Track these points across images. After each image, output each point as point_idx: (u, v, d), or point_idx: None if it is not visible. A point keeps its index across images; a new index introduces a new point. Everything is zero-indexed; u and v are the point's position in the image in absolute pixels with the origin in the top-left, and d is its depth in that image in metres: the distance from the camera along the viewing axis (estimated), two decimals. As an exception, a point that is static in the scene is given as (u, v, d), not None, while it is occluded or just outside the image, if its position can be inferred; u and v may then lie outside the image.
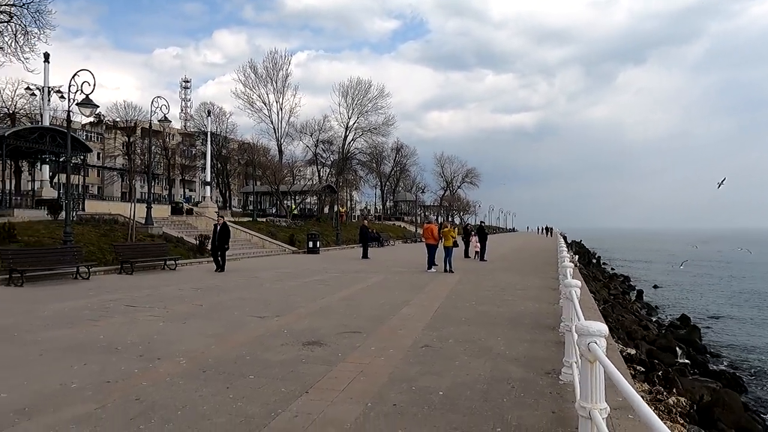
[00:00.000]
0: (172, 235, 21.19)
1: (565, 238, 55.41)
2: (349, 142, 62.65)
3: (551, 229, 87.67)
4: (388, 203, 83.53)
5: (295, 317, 8.78)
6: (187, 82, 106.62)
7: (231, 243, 24.35)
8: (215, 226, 17.01)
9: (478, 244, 23.46)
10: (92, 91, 14.19)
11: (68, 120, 15.61)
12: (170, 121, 27.10)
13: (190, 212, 32.60)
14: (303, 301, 10.63)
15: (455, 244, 18.17)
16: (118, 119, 59.53)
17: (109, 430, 3.90)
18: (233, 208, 60.70)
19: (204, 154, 74.51)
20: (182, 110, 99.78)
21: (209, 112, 51.99)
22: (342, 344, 6.76)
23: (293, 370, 5.54)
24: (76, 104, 14.22)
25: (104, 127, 67.74)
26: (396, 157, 79.07)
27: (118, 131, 63.99)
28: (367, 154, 66.69)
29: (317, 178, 60.81)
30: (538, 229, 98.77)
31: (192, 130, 67.86)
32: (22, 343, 6.65)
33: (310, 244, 26.42)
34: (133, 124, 60.97)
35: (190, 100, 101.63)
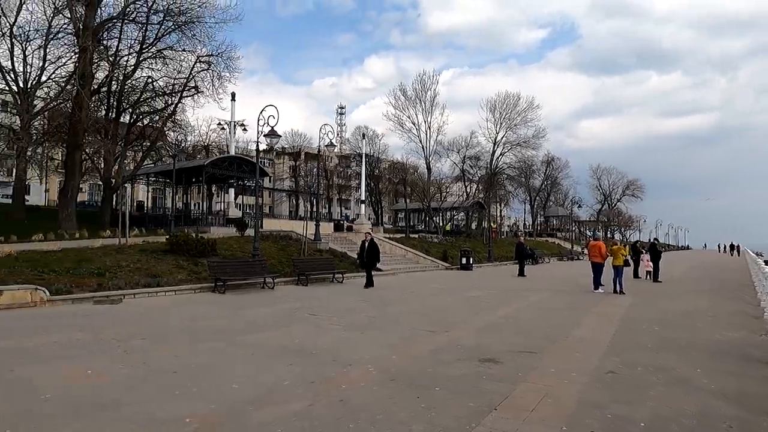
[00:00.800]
0: (337, 251, 22.95)
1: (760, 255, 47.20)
2: (498, 157, 61.64)
3: (737, 246, 75.37)
4: (538, 219, 79.97)
5: (463, 333, 8.89)
6: (342, 108, 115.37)
7: (388, 258, 25.67)
8: (363, 242, 17.30)
9: (650, 263, 21.23)
10: (276, 123, 16.26)
11: (257, 150, 18.03)
12: (335, 146, 29.55)
13: (350, 229, 34.95)
14: (467, 317, 10.71)
15: (626, 263, 16.70)
16: (286, 146, 66.46)
17: (322, 426, 4.39)
18: (384, 225, 63.61)
19: (358, 175, 79.77)
20: (338, 134, 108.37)
21: (364, 135, 55.50)
22: (519, 363, 6.67)
23: (475, 385, 5.63)
24: (264, 135, 16.40)
25: (274, 153, 76.44)
26: (546, 170, 75.71)
27: (286, 156, 71.46)
28: (516, 168, 64.88)
29: (464, 194, 60.85)
30: (721, 247, 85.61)
31: (347, 152, 72.96)
32: (237, 344, 7.78)
33: (464, 261, 26.46)
34: (298, 150, 67.84)
35: (344, 124, 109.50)
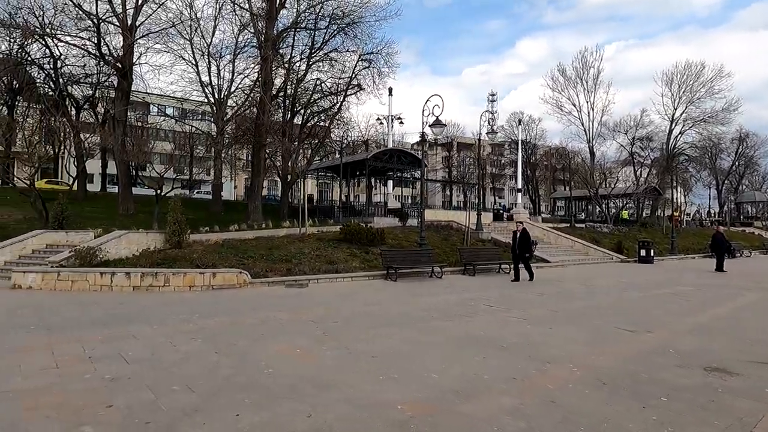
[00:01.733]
0: (501, 240, 22.24)
1: None
2: (676, 136, 54.33)
3: None
4: (727, 205, 68.60)
5: (671, 334, 7.75)
6: (493, 95, 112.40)
7: (554, 249, 24.15)
8: (514, 233, 15.97)
9: None
10: (441, 113, 16.22)
11: (422, 140, 18.26)
12: (497, 132, 28.69)
13: (510, 218, 33.79)
14: (666, 316, 9.39)
15: None
16: (438, 136, 66.79)
17: (542, 428, 4.04)
18: (542, 214, 60.46)
19: (512, 163, 76.88)
20: (489, 122, 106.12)
21: (520, 120, 53.34)
22: (762, 377, 5.53)
23: (713, 400, 4.77)
24: (429, 125, 16.50)
25: (427, 144, 77.62)
26: (739, 148, 64.44)
27: (438, 147, 71.88)
28: (699, 148, 56.40)
29: (634, 179, 54.80)
30: None
31: (501, 140, 70.82)
32: (422, 330, 7.81)
33: (643, 253, 23.72)
34: (450, 140, 67.79)
35: (496, 111, 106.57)
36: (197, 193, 45.87)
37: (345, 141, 40.76)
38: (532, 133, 66.03)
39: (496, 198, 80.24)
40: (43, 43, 28.13)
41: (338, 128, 35.18)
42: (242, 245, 16.33)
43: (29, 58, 29.29)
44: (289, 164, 29.47)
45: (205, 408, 4.35)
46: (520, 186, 51.13)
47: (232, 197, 53.51)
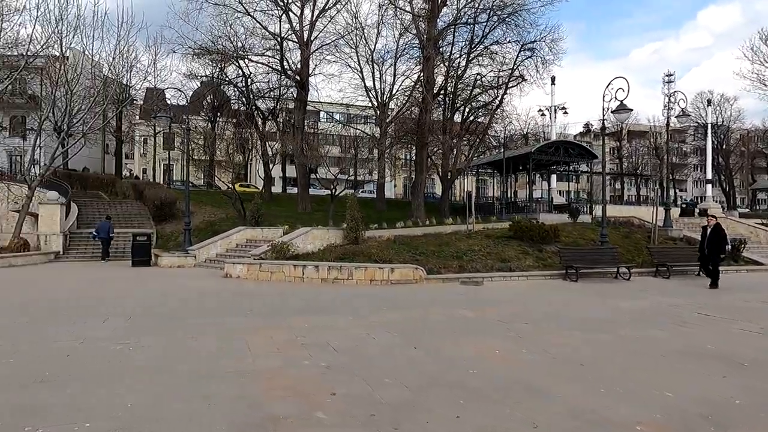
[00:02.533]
0: (693, 238, 19.33)
1: None
2: None
3: None
4: None
5: None
6: (670, 75, 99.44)
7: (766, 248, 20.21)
8: (704, 228, 13.53)
9: None
10: (626, 97, 14.59)
11: (602, 130, 16.60)
12: (689, 114, 25.14)
13: (703, 213, 29.34)
14: None
15: None
16: (623, 122, 61.28)
17: None
18: (738, 208, 51.53)
19: (697, 150, 67.02)
20: (665, 106, 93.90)
21: (709, 101, 46.03)
22: None
23: None
24: (612, 111, 14.96)
25: (592, 135, 71.59)
26: None
27: (606, 136, 66.08)
28: None
29: None
30: None
31: (685, 124, 62.18)
32: (628, 339, 6.95)
33: None
34: (619, 128, 61.56)
35: (677, 92, 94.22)
36: (362, 192, 48.76)
37: (505, 135, 39.53)
38: (725, 114, 56.69)
39: (677, 191, 70.78)
40: (237, 65, 32.29)
41: (498, 123, 34.19)
42: (413, 242, 16.65)
43: (227, 79, 33.91)
44: (450, 161, 29.49)
45: (421, 405, 4.31)
46: (709, 176, 44.20)
47: (392, 195, 55.60)
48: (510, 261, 14.65)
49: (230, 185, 24.90)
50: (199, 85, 38.38)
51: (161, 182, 40.38)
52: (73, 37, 21.78)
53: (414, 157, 36.90)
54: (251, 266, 13.26)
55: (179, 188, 33.60)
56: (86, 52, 22.68)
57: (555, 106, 40.22)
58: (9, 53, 24.09)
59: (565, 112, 40.87)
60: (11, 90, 29.54)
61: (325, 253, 14.76)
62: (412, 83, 30.19)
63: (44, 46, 21.62)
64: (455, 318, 8.30)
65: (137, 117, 47.53)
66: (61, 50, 22.32)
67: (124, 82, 29.48)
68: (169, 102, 40.94)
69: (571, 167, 35.05)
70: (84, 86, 23.03)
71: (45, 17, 22.63)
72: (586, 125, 70.87)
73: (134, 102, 41.20)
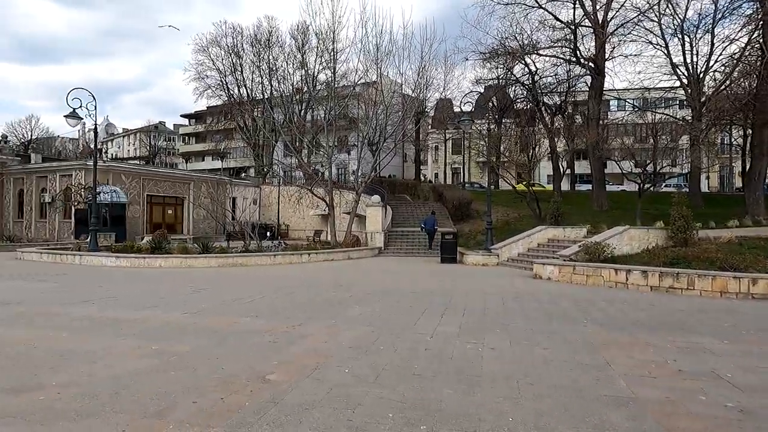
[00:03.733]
0: None
1: None
2: None
3: None
4: None
5: None
6: None
7: None
8: None
9: None
10: None
11: None
12: None
13: None
14: None
15: None
16: None
17: None
18: None
19: None
20: None
21: None
22: None
23: None
24: None
25: None
26: None
27: None
28: None
29: None
30: None
31: None
32: None
33: None
34: None
35: None
36: (665, 186, 42.11)
37: None
38: None
39: None
40: (524, 62, 31.82)
41: None
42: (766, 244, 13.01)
43: (514, 78, 33.83)
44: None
45: None
46: None
47: (705, 188, 46.57)
48: None
49: (525, 185, 24.53)
50: (483, 90, 39.51)
51: (451, 185, 43.13)
52: (387, 62, 24.90)
53: (741, 140, 29.65)
54: (563, 268, 12.37)
55: (472, 190, 35.17)
56: (392, 75, 25.71)
57: None
58: (337, 85, 29.25)
59: None
60: (338, 115, 36.18)
61: (648, 256, 12.69)
62: (739, 49, 24.44)
63: (364, 74, 25.37)
64: None
65: (429, 126, 52.21)
66: (378, 75, 25.78)
67: (422, 97, 32.45)
68: (457, 110, 43.41)
69: None
70: (391, 105, 26.22)
71: (365, 48, 26.60)
72: None
73: (427, 113, 45.24)
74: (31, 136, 58.75)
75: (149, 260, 15.83)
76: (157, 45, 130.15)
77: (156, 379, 4.63)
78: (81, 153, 59.53)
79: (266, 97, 47.00)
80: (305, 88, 46.17)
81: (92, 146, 66.44)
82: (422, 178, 54.56)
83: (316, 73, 46.16)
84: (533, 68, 32.22)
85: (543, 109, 34.71)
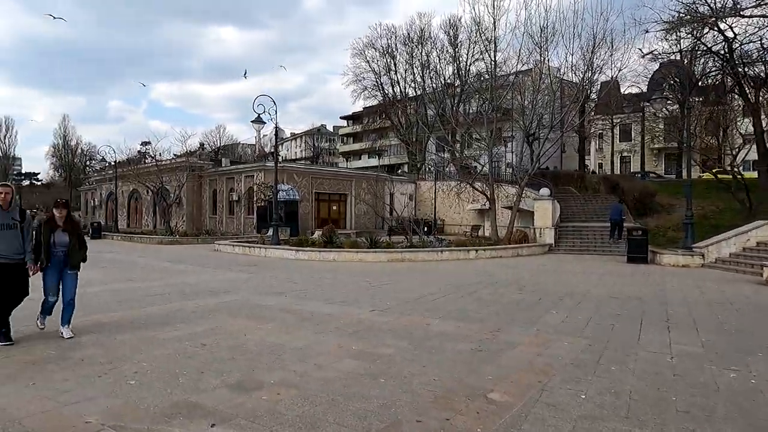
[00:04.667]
0: None
1: None
2: None
3: None
4: None
5: None
6: None
7: None
8: None
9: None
10: None
11: None
12: None
13: None
14: None
15: None
16: None
17: None
18: None
19: None
20: None
21: None
22: None
23: None
24: None
25: None
26: None
27: None
28: None
29: None
30: None
31: None
32: None
33: None
34: None
35: None
36: None
37: None
38: None
39: None
40: (717, 29, 26.93)
41: None
42: None
43: (704, 49, 28.90)
44: None
45: None
46: None
47: None
48: None
49: (725, 172, 20.66)
50: (657, 67, 34.69)
51: (625, 175, 38.79)
52: (553, 45, 22.89)
53: None
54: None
55: (651, 180, 31.05)
56: (559, 57, 23.56)
57: None
58: (498, 73, 27.78)
59: None
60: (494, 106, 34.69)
61: None
62: None
63: (528, 58, 23.69)
64: None
65: (592, 113, 47.60)
66: (542, 60, 23.89)
67: (591, 81, 29.41)
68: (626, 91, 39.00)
69: None
70: (552, 92, 24.11)
71: (527, 32, 24.80)
72: None
73: (593, 99, 41.20)
74: (220, 143, 67.50)
75: (324, 254, 16.56)
76: (316, 55, 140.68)
77: (369, 387, 4.29)
78: (257, 156, 66.58)
79: (419, 93, 47.39)
80: (457, 82, 45.46)
81: (266, 150, 73.75)
82: (585, 169, 50.15)
83: (468, 65, 45.26)
84: (730, 34, 27.07)
85: (743, 82, 29.09)
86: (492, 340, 5.96)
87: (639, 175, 33.27)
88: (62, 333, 5.74)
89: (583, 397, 4.08)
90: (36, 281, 5.74)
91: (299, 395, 4.08)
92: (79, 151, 75.17)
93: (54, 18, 35.00)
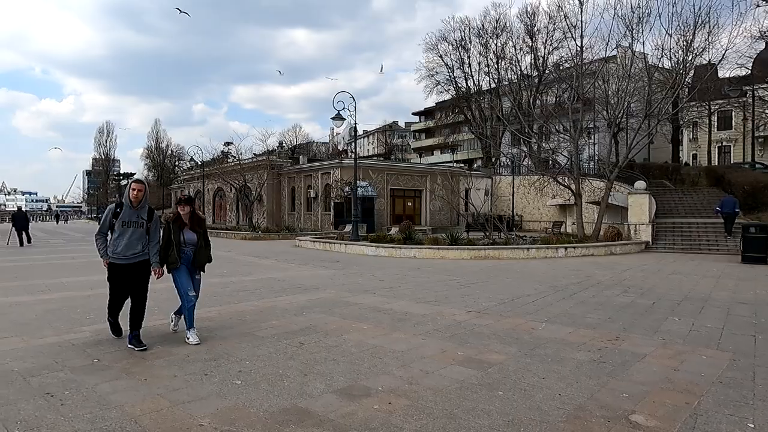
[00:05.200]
0: None
1: None
2: None
3: None
4: None
5: None
6: None
7: None
8: None
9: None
10: None
11: None
12: None
13: None
14: None
15: None
16: None
17: None
18: None
19: None
20: None
21: None
22: None
23: None
24: None
25: None
26: None
27: None
28: None
29: None
30: None
31: None
32: None
33: None
34: None
35: None
36: None
37: None
38: None
39: None
40: None
41: None
42: None
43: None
44: None
45: None
46: None
47: None
48: None
49: None
50: (765, 47, 31.24)
51: (731, 166, 35.37)
52: (647, 26, 21.08)
53: None
54: None
55: (762, 171, 27.96)
56: (653, 40, 21.64)
57: None
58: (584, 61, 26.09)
59: None
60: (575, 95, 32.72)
61: None
62: None
63: (621, 38, 22.00)
64: None
65: (684, 100, 43.76)
66: (631, 44, 22.11)
67: (688, 65, 26.91)
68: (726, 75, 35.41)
69: None
70: (639, 78, 22.26)
71: (618, 14, 23.02)
72: None
73: (688, 83, 37.85)
74: (296, 141, 69.35)
75: (404, 251, 16.27)
76: (386, 53, 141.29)
77: (487, 400, 3.87)
78: (331, 154, 67.74)
79: (493, 86, 45.89)
80: (534, 73, 43.53)
81: (339, 148, 74.52)
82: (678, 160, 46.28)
83: (546, 54, 43.17)
84: None
85: None
86: (613, 349, 5.33)
87: (747, 166, 30.08)
88: (188, 338, 5.42)
89: (752, 426, 3.42)
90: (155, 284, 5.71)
91: (411, 406, 3.75)
92: (169, 152, 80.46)
93: (180, 12, 37.17)
